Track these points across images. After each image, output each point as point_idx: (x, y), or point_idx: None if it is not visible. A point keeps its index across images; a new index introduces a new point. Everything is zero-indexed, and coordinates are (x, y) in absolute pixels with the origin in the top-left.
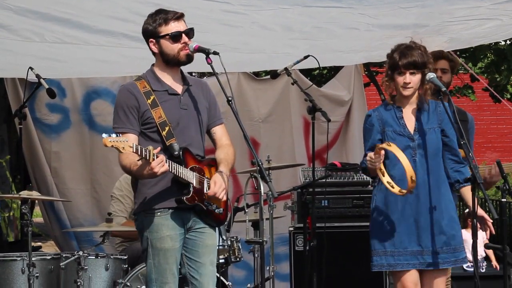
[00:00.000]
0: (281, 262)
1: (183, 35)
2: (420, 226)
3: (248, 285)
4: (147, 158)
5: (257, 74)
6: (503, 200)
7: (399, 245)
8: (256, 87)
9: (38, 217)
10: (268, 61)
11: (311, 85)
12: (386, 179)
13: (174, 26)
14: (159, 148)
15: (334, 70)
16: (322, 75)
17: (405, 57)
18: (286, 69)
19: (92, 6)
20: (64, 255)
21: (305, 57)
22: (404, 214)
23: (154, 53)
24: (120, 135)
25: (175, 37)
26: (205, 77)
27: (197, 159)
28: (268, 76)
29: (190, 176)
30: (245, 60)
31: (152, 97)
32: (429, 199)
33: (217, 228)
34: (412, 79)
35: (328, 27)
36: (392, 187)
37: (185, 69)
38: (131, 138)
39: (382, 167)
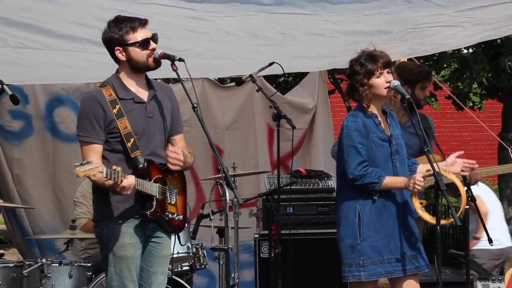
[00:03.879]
0: (243, 269)
1: (151, 41)
2: (410, 230)
3: None
4: (116, 180)
5: (222, 81)
6: (466, 207)
7: (396, 251)
8: (221, 94)
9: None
10: (233, 67)
11: (276, 93)
12: (418, 204)
13: (141, 33)
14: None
15: (299, 77)
16: (287, 82)
17: (380, 57)
18: (251, 76)
19: (55, 12)
20: (27, 263)
21: (270, 64)
22: (396, 220)
23: (118, 61)
24: (90, 143)
25: (145, 44)
26: (169, 83)
27: (160, 169)
28: (233, 83)
29: (154, 190)
30: (210, 66)
31: (118, 107)
32: (409, 203)
33: (173, 235)
34: (391, 78)
35: (293, 34)
36: (424, 213)
37: (150, 76)
38: (97, 149)
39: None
